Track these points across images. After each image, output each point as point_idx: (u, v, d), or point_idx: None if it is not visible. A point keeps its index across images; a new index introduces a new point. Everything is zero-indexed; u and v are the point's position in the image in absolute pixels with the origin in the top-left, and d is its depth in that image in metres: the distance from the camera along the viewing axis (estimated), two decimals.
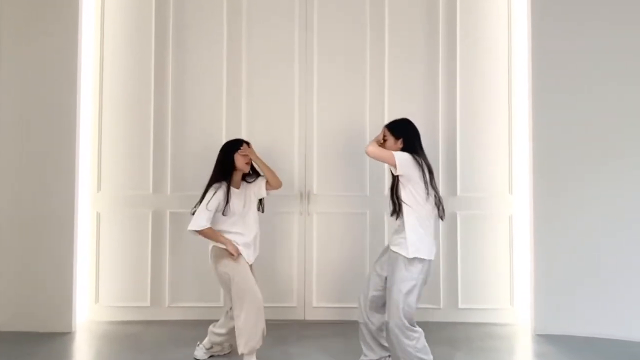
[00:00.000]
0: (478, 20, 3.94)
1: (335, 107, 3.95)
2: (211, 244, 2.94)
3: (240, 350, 2.78)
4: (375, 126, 3.82)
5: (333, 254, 3.93)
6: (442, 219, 2.84)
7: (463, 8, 3.91)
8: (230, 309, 2.93)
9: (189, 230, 2.86)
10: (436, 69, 3.92)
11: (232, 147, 3.01)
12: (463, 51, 3.93)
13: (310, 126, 3.94)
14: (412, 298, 2.66)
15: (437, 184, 2.84)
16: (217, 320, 3.06)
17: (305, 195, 3.89)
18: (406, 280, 2.66)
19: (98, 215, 3.92)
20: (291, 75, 3.95)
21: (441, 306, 3.78)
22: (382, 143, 2.83)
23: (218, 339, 2.99)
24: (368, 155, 2.81)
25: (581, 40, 3.62)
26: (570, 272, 3.59)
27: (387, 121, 3.78)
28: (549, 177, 3.60)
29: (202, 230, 2.82)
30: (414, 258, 2.66)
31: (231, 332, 2.89)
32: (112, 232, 3.92)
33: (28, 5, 3.69)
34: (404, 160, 2.67)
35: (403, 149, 2.76)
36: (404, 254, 2.69)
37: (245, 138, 3.81)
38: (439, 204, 2.77)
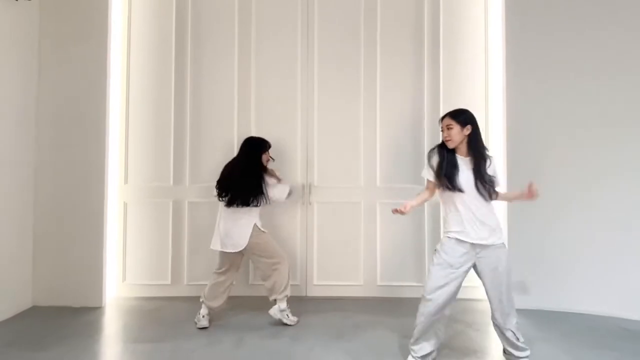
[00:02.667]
0: (460, 30, 4.08)
1: (334, 109, 4.09)
2: (252, 223, 3.28)
3: (277, 297, 3.25)
4: (368, 125, 4.04)
5: (332, 238, 4.06)
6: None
7: (445, 22, 4.07)
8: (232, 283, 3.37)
9: (285, 199, 3.42)
10: (422, 75, 4.07)
11: (261, 146, 3.41)
12: (445, 58, 4.06)
13: (311, 125, 4.08)
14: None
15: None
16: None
17: (307, 187, 4.06)
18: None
19: (125, 205, 4.08)
20: (294, 80, 4.09)
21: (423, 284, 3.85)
22: (447, 132, 2.58)
23: (217, 309, 3.34)
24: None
25: (553, 41, 3.77)
26: (541, 253, 3.75)
27: (379, 120, 4.02)
28: (521, 166, 3.72)
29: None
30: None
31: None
32: (137, 220, 4.07)
33: (65, 18, 3.84)
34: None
35: (471, 136, 2.56)
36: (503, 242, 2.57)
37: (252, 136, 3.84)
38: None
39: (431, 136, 3.99)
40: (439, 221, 3.97)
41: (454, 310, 2.94)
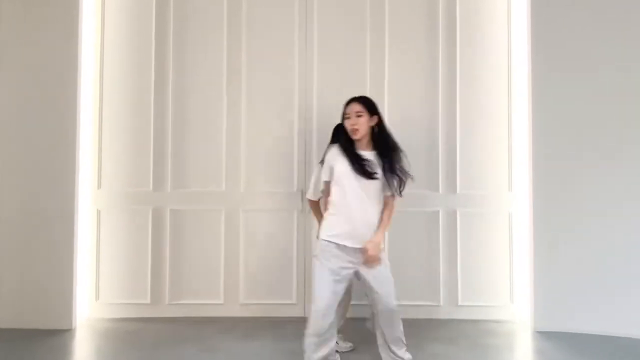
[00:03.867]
0: (478, 16, 3.93)
1: (334, 111, 3.88)
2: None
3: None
4: None
5: None
6: None
7: (463, 5, 3.91)
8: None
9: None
10: (436, 67, 3.91)
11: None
12: (463, 48, 3.92)
13: (309, 129, 3.94)
14: None
15: None
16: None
17: (304, 194, 3.82)
18: None
19: (98, 213, 3.90)
20: (291, 75, 3.95)
21: (441, 303, 3.77)
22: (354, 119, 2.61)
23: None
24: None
25: (581, 39, 3.63)
26: (569, 269, 3.59)
27: (386, 121, 3.85)
28: (548, 174, 3.60)
29: None
30: None
31: None
32: (112, 229, 3.91)
33: (27, 5, 3.68)
34: None
35: (379, 126, 2.64)
36: None
37: (245, 138, 3.84)
38: None
39: (446, 139, 3.89)
40: (455, 238, 3.87)
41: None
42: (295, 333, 3.39)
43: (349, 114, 2.61)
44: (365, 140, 2.61)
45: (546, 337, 3.45)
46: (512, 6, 3.90)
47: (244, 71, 3.95)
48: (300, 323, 3.65)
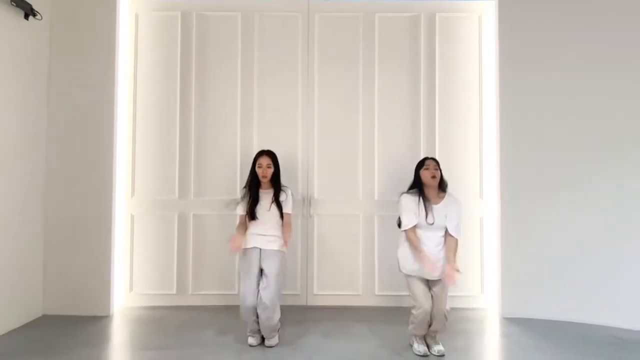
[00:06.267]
0: (454, 54, 4.17)
1: (333, 128, 4.17)
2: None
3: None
4: (366, 143, 4.14)
5: (331, 250, 4.14)
6: None
7: (441, 44, 4.17)
8: None
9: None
10: (418, 89, 4.16)
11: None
12: (441, 80, 4.15)
13: (311, 144, 4.17)
14: None
15: None
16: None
17: (307, 200, 4.14)
18: None
19: (132, 217, 4.14)
20: (295, 104, 4.17)
21: None
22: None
23: None
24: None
25: (544, 58, 3.87)
26: (532, 264, 3.82)
27: (377, 138, 4.12)
28: (514, 183, 3.84)
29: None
30: None
31: None
32: (143, 231, 4.14)
33: (74, 36, 3.92)
34: None
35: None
36: None
37: (255, 153, 3.87)
38: None
39: (427, 153, 4.07)
40: None
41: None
42: (297, 321, 3.64)
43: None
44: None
45: (512, 323, 3.68)
46: (482, 37, 4.15)
47: (255, 103, 4.17)
48: (303, 310, 3.97)
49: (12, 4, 3.41)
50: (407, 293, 3.16)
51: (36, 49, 3.82)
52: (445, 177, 3.21)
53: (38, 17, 3.70)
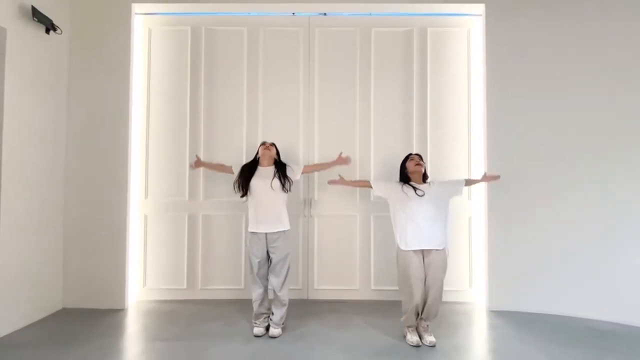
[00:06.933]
0: (444, 66, 4.23)
1: (331, 135, 4.23)
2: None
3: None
4: (362, 148, 4.21)
5: (330, 248, 4.23)
6: None
7: (432, 57, 4.26)
8: None
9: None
10: (411, 98, 4.21)
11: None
12: (432, 90, 4.21)
13: (312, 149, 4.24)
14: None
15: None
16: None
17: (307, 202, 4.22)
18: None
19: (145, 217, 4.25)
20: (296, 112, 4.24)
21: None
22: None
23: None
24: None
25: (528, 69, 3.95)
26: (517, 261, 3.89)
27: (372, 143, 4.16)
28: (500, 186, 3.89)
29: None
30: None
31: None
32: (156, 231, 4.24)
33: (92, 51, 4.04)
34: None
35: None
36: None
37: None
38: None
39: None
40: None
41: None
42: (299, 314, 3.72)
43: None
44: None
45: (498, 315, 3.77)
46: (471, 48, 4.23)
47: (260, 111, 4.26)
48: (304, 304, 4.02)
49: (34, 19, 3.54)
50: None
51: (56, 61, 3.94)
52: (437, 179, 3.30)
53: (58, 31, 3.83)
